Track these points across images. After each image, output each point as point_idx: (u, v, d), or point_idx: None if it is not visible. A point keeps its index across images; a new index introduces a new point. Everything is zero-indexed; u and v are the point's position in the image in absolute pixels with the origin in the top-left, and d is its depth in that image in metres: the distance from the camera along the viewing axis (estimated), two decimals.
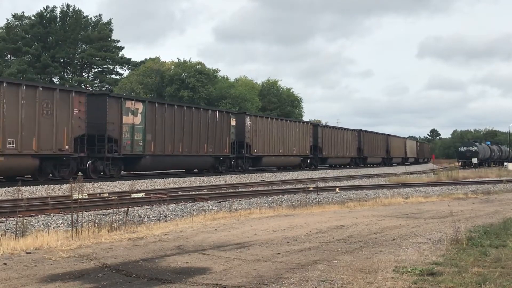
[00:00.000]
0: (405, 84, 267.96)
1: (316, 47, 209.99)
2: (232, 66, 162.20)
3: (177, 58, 65.82)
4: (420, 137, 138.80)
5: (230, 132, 33.95)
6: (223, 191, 20.78)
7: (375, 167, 57.91)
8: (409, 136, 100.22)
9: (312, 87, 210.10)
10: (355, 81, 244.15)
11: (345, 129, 54.93)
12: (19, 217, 9.96)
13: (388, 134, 68.20)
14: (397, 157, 70.44)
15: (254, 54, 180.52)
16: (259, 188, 23.22)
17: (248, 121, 36.10)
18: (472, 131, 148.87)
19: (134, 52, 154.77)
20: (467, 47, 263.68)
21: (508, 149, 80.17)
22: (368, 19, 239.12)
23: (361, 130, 57.45)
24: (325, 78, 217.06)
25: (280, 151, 39.95)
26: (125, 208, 11.85)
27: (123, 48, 70.21)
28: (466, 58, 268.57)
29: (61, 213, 12.95)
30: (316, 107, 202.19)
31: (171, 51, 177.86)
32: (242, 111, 46.30)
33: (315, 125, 48.15)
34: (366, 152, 57.66)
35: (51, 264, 6.55)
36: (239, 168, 35.80)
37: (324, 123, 65.14)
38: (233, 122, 34.45)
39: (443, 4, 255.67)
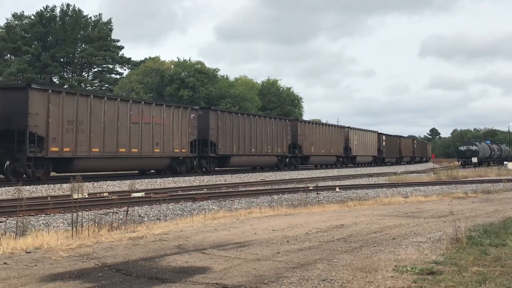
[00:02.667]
0: (406, 83, 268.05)
1: (318, 47, 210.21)
2: (233, 66, 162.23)
3: (177, 58, 65.89)
4: (420, 137, 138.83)
5: (189, 130, 30.38)
6: (223, 191, 20.78)
7: (364, 167, 54.65)
8: (409, 136, 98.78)
9: (313, 86, 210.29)
10: (357, 80, 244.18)
11: (330, 125, 51.81)
12: (19, 216, 9.97)
13: (380, 132, 64.81)
14: (391, 156, 67.47)
15: (255, 54, 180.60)
16: (259, 188, 23.22)
17: (212, 117, 32.77)
18: (472, 130, 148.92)
19: (135, 51, 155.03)
20: (469, 46, 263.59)
21: (508, 148, 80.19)
22: (371, 18, 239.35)
23: (349, 127, 54.66)
24: (327, 77, 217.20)
25: (253, 150, 36.67)
26: (125, 208, 11.85)
27: (123, 47, 70.21)
28: (468, 57, 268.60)
29: (61, 213, 12.95)
30: (317, 107, 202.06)
31: (172, 50, 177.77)
32: (205, 106, 43.16)
33: (294, 121, 44.25)
34: (355, 151, 54.66)
35: (51, 264, 6.55)
36: (203, 169, 32.30)
37: (309, 119, 60.62)
38: (193, 118, 30.86)
39: (447, 3, 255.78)
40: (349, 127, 54.85)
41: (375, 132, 62.91)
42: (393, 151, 69.15)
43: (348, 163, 53.27)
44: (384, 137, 65.45)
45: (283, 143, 40.90)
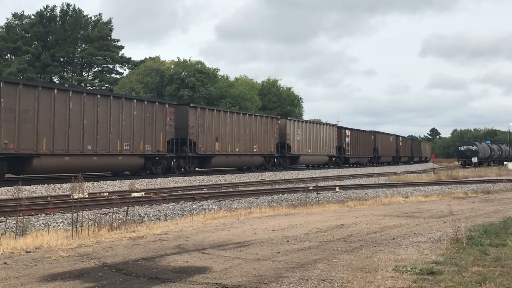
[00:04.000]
0: (407, 83, 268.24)
1: (319, 46, 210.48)
2: (234, 65, 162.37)
3: (177, 58, 65.91)
4: (420, 136, 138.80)
5: (166, 127, 27.99)
6: (223, 190, 20.78)
7: (359, 167, 52.78)
8: (409, 136, 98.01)
9: (314, 86, 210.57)
10: (358, 80, 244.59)
11: (322, 124, 49.78)
12: (19, 216, 9.96)
13: (376, 131, 61.61)
14: (386, 155, 64.47)
15: (256, 53, 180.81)
16: (259, 187, 23.22)
17: (192, 114, 30.33)
18: (472, 130, 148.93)
19: (136, 51, 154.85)
20: (470, 46, 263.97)
21: (508, 148, 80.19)
22: (372, 18, 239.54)
23: (342, 126, 53.00)
24: (328, 77, 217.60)
25: (237, 149, 34.44)
26: (125, 207, 11.85)
27: (123, 47, 70.21)
28: (470, 57, 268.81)
29: (61, 213, 12.95)
30: (317, 106, 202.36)
31: (173, 50, 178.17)
32: (184, 102, 40.85)
33: (282, 120, 41.67)
34: (349, 151, 52.74)
35: (51, 263, 6.55)
36: (182, 170, 30.24)
37: (297, 118, 58.11)
38: (170, 114, 28.48)
39: (448, 2, 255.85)
40: (342, 126, 53.28)
41: (370, 132, 59.92)
42: (390, 151, 65.50)
43: (341, 164, 51.21)
44: (380, 137, 62.01)
45: (270, 142, 38.58)
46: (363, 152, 56.80)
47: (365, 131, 58.91)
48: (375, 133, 60.03)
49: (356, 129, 56.19)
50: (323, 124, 50.44)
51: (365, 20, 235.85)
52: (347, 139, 52.48)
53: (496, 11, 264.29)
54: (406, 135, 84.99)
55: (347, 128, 53.47)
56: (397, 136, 69.80)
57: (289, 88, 77.27)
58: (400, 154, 68.73)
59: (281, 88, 75.85)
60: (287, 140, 40.77)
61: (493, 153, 71.83)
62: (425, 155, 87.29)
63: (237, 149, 34.66)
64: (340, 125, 55.50)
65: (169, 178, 26.91)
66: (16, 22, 64.69)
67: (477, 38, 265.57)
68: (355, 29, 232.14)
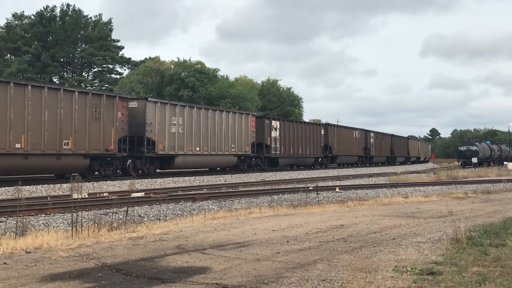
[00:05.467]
0: (408, 83, 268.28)
1: (320, 46, 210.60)
2: (234, 65, 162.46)
3: (177, 58, 65.95)
4: (420, 136, 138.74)
5: (117, 124, 24.86)
6: (223, 191, 20.78)
7: (349, 168, 49.41)
8: (409, 136, 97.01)
9: (315, 86, 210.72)
10: (358, 80, 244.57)
11: (305, 123, 46.09)
12: (19, 216, 9.96)
13: (368, 130, 57.33)
14: (380, 155, 60.06)
15: (257, 53, 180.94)
16: (259, 188, 23.22)
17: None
18: (472, 130, 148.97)
19: (137, 51, 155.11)
20: (471, 46, 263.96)
21: (508, 148, 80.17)
22: (373, 18, 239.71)
23: (328, 124, 48.84)
24: (328, 77, 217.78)
25: (205, 148, 31.12)
26: (125, 208, 11.85)
27: (123, 47, 70.24)
28: (470, 57, 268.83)
29: (61, 213, 12.95)
30: (318, 106, 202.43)
31: (173, 50, 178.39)
32: (141, 96, 38.01)
33: (260, 118, 38.34)
34: (337, 150, 48.19)
35: (51, 264, 6.55)
36: (140, 172, 27.35)
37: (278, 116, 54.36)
38: (122, 109, 25.24)
39: (449, 2, 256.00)
40: (327, 124, 49.16)
41: (362, 130, 55.74)
42: (383, 151, 60.74)
43: (328, 164, 47.43)
44: (372, 135, 57.37)
45: (245, 141, 34.94)
46: (352, 151, 51.50)
47: (354, 128, 54.17)
48: (327, 126, 48.51)
49: (343, 126, 51.95)
50: (308, 123, 46.74)
51: (366, 20, 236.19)
52: (335, 139, 48.00)
53: (497, 11, 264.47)
54: (406, 135, 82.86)
55: (333, 125, 49.22)
56: (367, 131, 57.78)
57: (289, 88, 77.42)
58: (371, 153, 58.03)
59: (281, 88, 75.90)
60: (266, 140, 37.49)
61: (493, 153, 71.83)
62: (414, 154, 78.16)
63: (205, 148, 31.37)
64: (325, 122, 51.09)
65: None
66: (16, 22, 64.72)
67: (477, 38, 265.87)
68: (355, 29, 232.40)
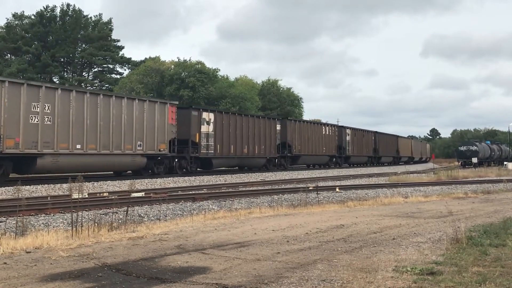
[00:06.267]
0: (408, 83, 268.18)
1: (321, 46, 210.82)
2: (235, 65, 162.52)
3: (177, 58, 65.95)
4: (420, 136, 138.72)
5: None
6: (223, 191, 20.78)
7: (315, 170, 43.82)
8: (409, 136, 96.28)
9: (315, 86, 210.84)
10: (359, 80, 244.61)
11: (252, 116, 38.23)
12: (19, 216, 9.97)
13: (343, 126, 51.60)
14: (359, 155, 54.08)
15: (257, 53, 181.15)
16: (259, 188, 23.22)
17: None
18: (472, 130, 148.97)
19: (137, 51, 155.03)
20: (472, 46, 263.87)
21: (508, 148, 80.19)
22: (374, 18, 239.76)
23: (286, 118, 42.96)
24: (329, 77, 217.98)
25: (91, 146, 23.83)
26: (125, 208, 11.85)
27: (123, 47, 70.19)
28: (471, 57, 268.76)
29: (61, 213, 12.95)
30: (318, 106, 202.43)
31: (174, 50, 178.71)
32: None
33: (185, 109, 31.25)
34: (299, 149, 41.63)
35: (51, 264, 6.55)
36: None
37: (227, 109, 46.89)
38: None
39: (450, 3, 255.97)
40: (287, 118, 43.64)
41: (335, 126, 50.54)
42: (365, 150, 55.10)
43: (287, 165, 41.53)
44: (348, 132, 50.99)
45: (158, 137, 27.86)
46: (319, 150, 45.24)
47: (321, 124, 49.21)
48: (284, 120, 41.70)
49: (305, 121, 46.36)
50: (262, 117, 39.30)
51: (366, 20, 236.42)
52: (295, 135, 41.75)
53: (498, 12, 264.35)
54: (406, 135, 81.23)
55: (293, 120, 43.45)
56: (341, 128, 51.53)
57: (289, 89, 77.50)
58: (347, 152, 51.55)
59: (281, 89, 75.94)
60: (193, 136, 30.48)
61: (493, 153, 71.83)
62: (405, 154, 71.01)
63: (92, 146, 24.13)
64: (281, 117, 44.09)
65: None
66: (16, 22, 64.68)
67: (478, 38, 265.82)
68: (356, 29, 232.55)
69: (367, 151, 56.42)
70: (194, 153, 30.48)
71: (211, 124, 31.93)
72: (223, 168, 35.49)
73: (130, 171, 28.08)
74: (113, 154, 25.06)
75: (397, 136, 69.40)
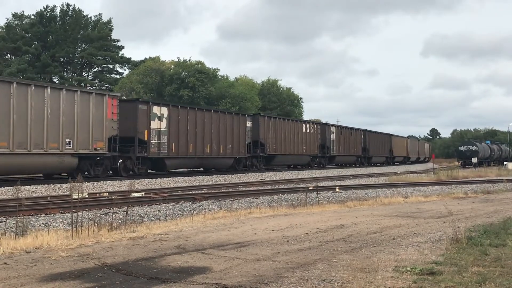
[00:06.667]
0: (409, 83, 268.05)
1: (322, 46, 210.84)
2: (235, 65, 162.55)
3: (177, 58, 65.97)
4: (420, 136, 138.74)
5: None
6: (223, 191, 20.78)
7: (298, 170, 40.75)
8: (408, 136, 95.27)
9: (315, 86, 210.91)
10: (359, 80, 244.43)
11: (216, 111, 33.64)
12: (19, 216, 9.97)
13: (326, 123, 48.22)
14: (346, 155, 50.17)
15: (257, 53, 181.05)
16: (259, 188, 23.22)
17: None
18: (472, 130, 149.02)
19: (137, 51, 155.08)
20: (473, 46, 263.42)
21: (508, 148, 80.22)
22: (375, 17, 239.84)
23: (257, 114, 39.60)
24: (329, 77, 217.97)
25: (3, 144, 19.71)
26: (125, 208, 11.85)
27: (123, 47, 70.16)
28: (471, 57, 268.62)
29: (61, 213, 12.95)
30: (318, 106, 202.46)
31: (174, 50, 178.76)
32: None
33: (131, 102, 27.92)
34: (274, 148, 37.83)
35: (51, 264, 6.55)
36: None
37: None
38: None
39: (451, 2, 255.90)
40: (259, 114, 40.02)
41: (314, 122, 46.46)
42: (354, 150, 51.30)
43: (260, 166, 37.43)
44: (326, 129, 46.03)
45: (102, 134, 24.29)
46: (293, 149, 40.92)
47: (295, 120, 44.74)
48: (257, 116, 38.14)
49: (276, 117, 41.01)
50: (223, 112, 34.77)
51: (367, 20, 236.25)
52: (267, 132, 37.66)
53: (499, 11, 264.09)
54: (405, 135, 78.44)
55: (263, 116, 39.32)
56: (324, 125, 48.00)
57: (289, 88, 77.52)
58: (331, 152, 47.36)
59: (281, 88, 75.97)
60: (140, 134, 26.51)
61: (493, 153, 71.86)
62: (400, 154, 66.95)
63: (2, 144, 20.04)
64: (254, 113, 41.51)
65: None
66: (16, 22, 64.67)
67: (479, 38, 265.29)
68: (357, 29, 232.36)
69: (355, 151, 52.73)
70: (142, 153, 26.55)
71: (164, 120, 27.99)
72: (181, 170, 31.63)
73: (64, 173, 23.68)
74: (32, 153, 20.68)
75: (391, 135, 65.43)
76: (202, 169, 33.63)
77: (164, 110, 28.18)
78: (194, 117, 30.25)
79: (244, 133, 35.12)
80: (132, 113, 26.12)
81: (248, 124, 35.85)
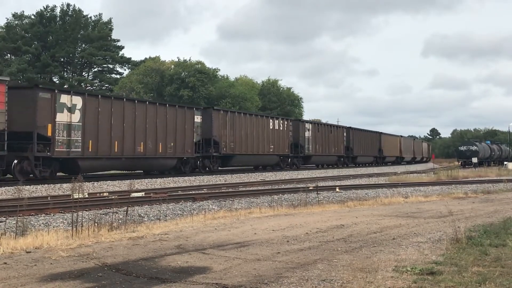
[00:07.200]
0: (409, 83, 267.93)
1: (322, 46, 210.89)
2: (235, 65, 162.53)
3: (177, 58, 65.98)
4: (420, 136, 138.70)
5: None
6: (223, 191, 20.78)
7: (265, 172, 36.09)
8: (409, 135, 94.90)
9: (315, 86, 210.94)
10: (359, 80, 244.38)
11: (153, 103, 28.41)
12: (19, 216, 9.96)
13: (301, 120, 45.18)
14: (325, 154, 45.81)
15: (258, 53, 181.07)
16: (259, 188, 23.22)
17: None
18: (472, 130, 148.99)
19: (137, 51, 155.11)
20: (473, 46, 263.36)
21: (508, 148, 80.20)
22: (375, 17, 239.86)
23: (210, 107, 34.50)
24: (329, 77, 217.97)
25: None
26: (125, 208, 11.85)
27: (123, 47, 70.18)
28: (471, 57, 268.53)
29: (61, 213, 12.95)
30: (318, 106, 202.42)
31: (174, 50, 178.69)
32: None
33: (26, 89, 22.32)
34: (232, 148, 33.66)
35: (51, 264, 6.55)
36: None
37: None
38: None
39: (451, 2, 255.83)
40: (212, 107, 34.91)
41: (287, 119, 42.18)
42: (336, 149, 47.11)
43: (213, 167, 32.90)
44: (300, 126, 41.83)
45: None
46: (255, 148, 36.23)
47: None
48: (209, 110, 32.87)
49: (230, 111, 35.97)
50: (162, 105, 29.34)
51: (367, 20, 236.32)
52: (224, 129, 33.35)
53: (499, 11, 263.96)
54: (406, 135, 78.21)
55: (218, 110, 34.12)
56: (298, 121, 43.89)
57: (289, 88, 77.50)
58: (306, 151, 42.78)
59: (281, 88, 75.97)
60: (38, 128, 21.15)
61: (493, 153, 71.84)
62: (392, 154, 63.54)
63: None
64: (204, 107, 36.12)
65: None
66: (16, 22, 64.68)
67: (479, 38, 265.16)
68: (357, 29, 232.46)
69: (336, 150, 47.76)
70: (44, 152, 21.49)
71: (77, 112, 22.83)
72: (102, 172, 26.75)
73: None
74: None
75: (380, 133, 60.42)
76: (142, 171, 29.42)
77: (77, 100, 22.92)
78: (121, 110, 25.04)
79: (192, 129, 30.04)
80: (29, 102, 21.09)
81: (197, 119, 30.67)
